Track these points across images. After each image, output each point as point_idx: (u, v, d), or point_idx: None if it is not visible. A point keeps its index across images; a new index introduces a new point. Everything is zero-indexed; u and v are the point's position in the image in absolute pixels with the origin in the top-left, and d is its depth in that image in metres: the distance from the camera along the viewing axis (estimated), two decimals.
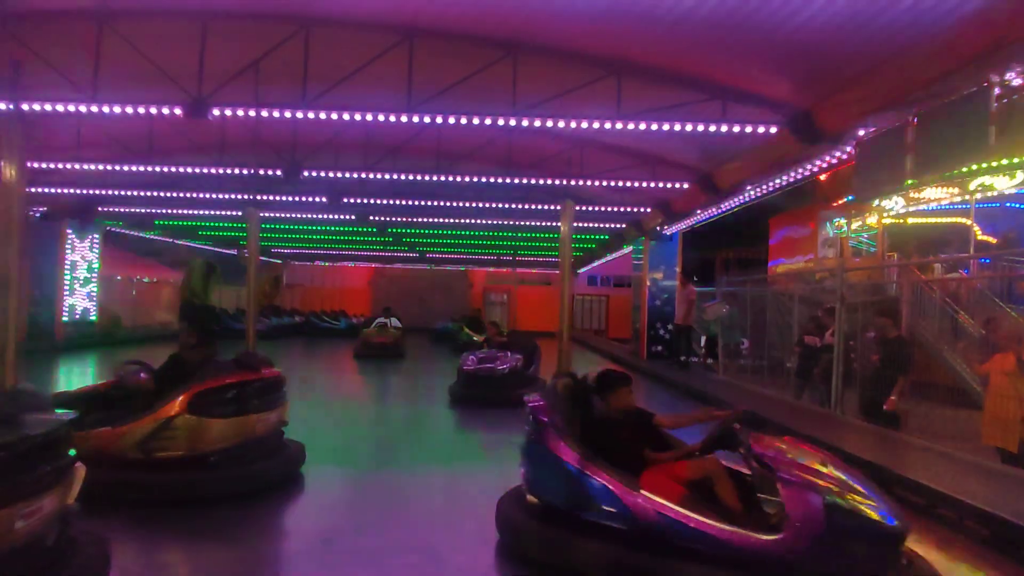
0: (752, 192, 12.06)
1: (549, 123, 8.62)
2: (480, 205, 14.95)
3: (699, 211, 14.20)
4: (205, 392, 4.96)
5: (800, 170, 10.34)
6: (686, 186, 12.07)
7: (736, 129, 8.50)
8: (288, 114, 8.64)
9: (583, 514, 3.65)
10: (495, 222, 17.91)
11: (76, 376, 12.91)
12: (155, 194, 15.41)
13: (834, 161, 9.66)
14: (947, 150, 7.12)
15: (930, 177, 7.78)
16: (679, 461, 3.74)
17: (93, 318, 18.02)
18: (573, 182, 12.35)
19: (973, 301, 9.52)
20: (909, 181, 7.91)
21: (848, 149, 9.10)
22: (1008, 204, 12.46)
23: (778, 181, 11.03)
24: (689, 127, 8.53)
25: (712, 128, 8.51)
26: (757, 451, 3.40)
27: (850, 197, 12.68)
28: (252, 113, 8.63)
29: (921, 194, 11.19)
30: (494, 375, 9.70)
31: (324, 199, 15.06)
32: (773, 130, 8.51)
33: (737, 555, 3.17)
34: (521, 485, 4.21)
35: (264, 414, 5.27)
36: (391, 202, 15.35)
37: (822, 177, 11.58)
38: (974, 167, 8.32)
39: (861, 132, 8.47)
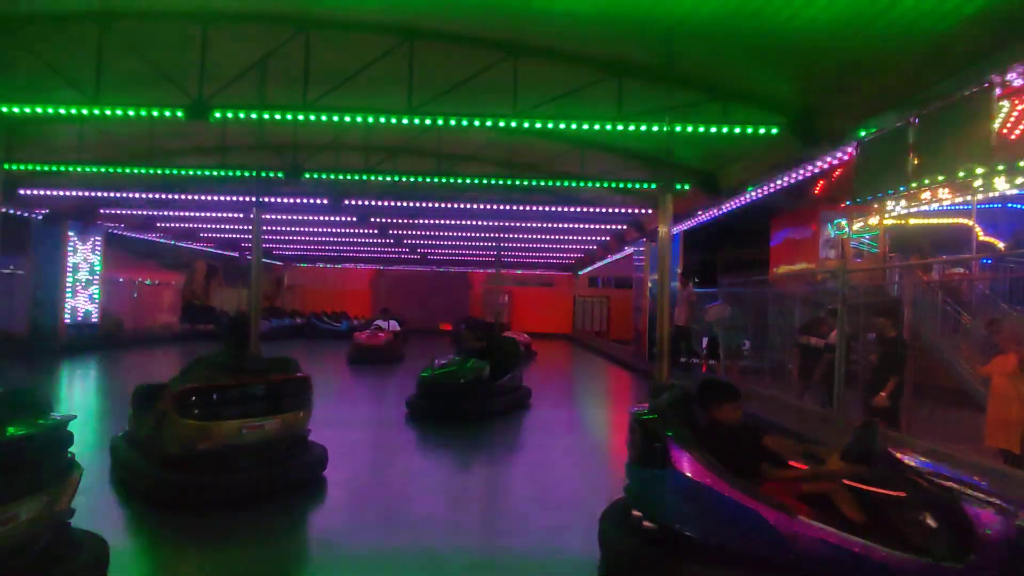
0: (753, 193, 12.06)
1: (550, 124, 8.63)
2: (481, 207, 14.96)
3: (700, 212, 14.20)
4: (188, 392, 5.00)
5: (801, 171, 10.33)
6: (687, 187, 12.07)
7: (737, 130, 8.50)
8: (289, 116, 8.65)
9: (722, 543, 3.23)
10: (495, 223, 17.93)
11: (78, 378, 12.93)
12: (157, 196, 15.45)
13: (835, 162, 9.65)
14: (949, 151, 7.10)
15: (932, 178, 7.75)
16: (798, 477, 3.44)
17: (95, 320, 18.05)
18: (574, 183, 12.36)
19: (975, 302, 9.51)
20: (912, 184, 7.90)
21: (849, 150, 9.10)
22: (1009, 205, 12.44)
23: (779, 182, 11.03)
24: (690, 128, 8.53)
25: (713, 129, 8.51)
26: (924, 469, 3.14)
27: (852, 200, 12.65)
28: (253, 115, 8.65)
29: (923, 193, 11.16)
30: (454, 385, 8.74)
31: (325, 200, 15.09)
32: (774, 131, 8.51)
33: None
34: (625, 502, 3.84)
35: (254, 420, 5.13)
36: (392, 203, 15.37)
37: (823, 178, 11.57)
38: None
39: (863, 133, 8.47)
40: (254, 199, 13.35)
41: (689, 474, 3.33)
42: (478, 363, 9.07)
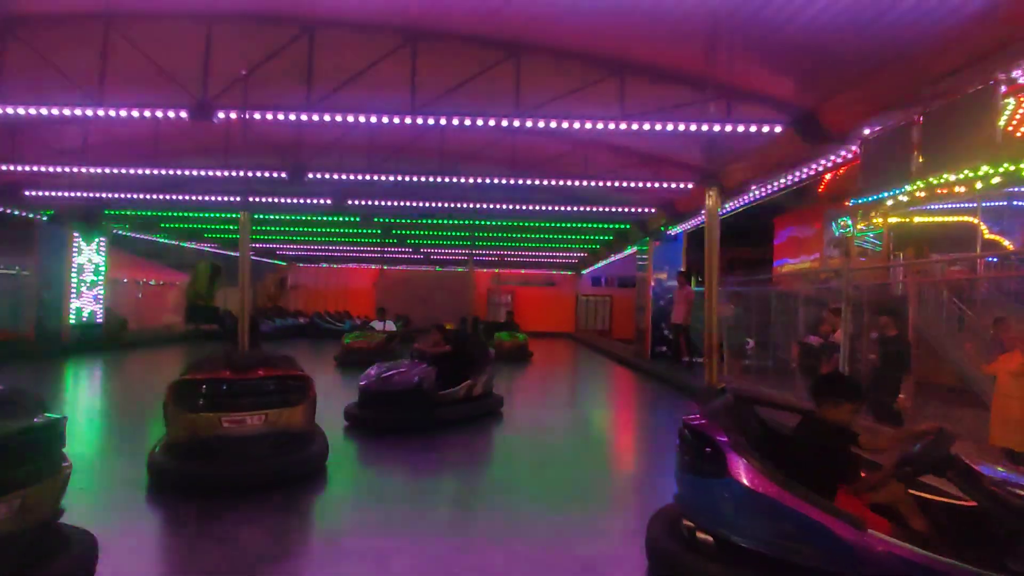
0: (757, 192, 12.03)
1: (553, 124, 8.62)
2: (484, 206, 14.97)
3: (702, 211, 14.17)
4: (180, 384, 5.29)
5: (805, 170, 10.30)
6: (690, 186, 12.05)
7: (740, 129, 8.47)
8: (293, 116, 8.66)
9: (787, 556, 3.05)
10: (497, 223, 17.93)
11: (83, 379, 12.97)
12: (161, 197, 15.50)
13: (839, 160, 9.62)
14: (953, 148, 7.08)
15: (937, 177, 7.72)
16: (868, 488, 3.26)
17: (100, 320, 18.12)
18: (577, 183, 12.35)
19: (980, 301, 9.47)
20: (917, 182, 7.88)
21: (854, 148, 9.07)
22: (1015, 203, 12.40)
23: (783, 181, 11.00)
24: (693, 127, 8.51)
25: (716, 128, 8.49)
26: (999, 479, 3.01)
27: (856, 200, 12.62)
28: (257, 116, 8.66)
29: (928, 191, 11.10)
30: (393, 393, 7.72)
31: (329, 201, 15.10)
32: (778, 130, 8.49)
33: None
34: (675, 508, 3.70)
35: (235, 414, 5.19)
36: (395, 203, 15.38)
37: (827, 176, 11.54)
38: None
39: (867, 131, 8.44)
40: (242, 200, 13.44)
41: (748, 483, 3.17)
42: (425, 370, 8.03)
